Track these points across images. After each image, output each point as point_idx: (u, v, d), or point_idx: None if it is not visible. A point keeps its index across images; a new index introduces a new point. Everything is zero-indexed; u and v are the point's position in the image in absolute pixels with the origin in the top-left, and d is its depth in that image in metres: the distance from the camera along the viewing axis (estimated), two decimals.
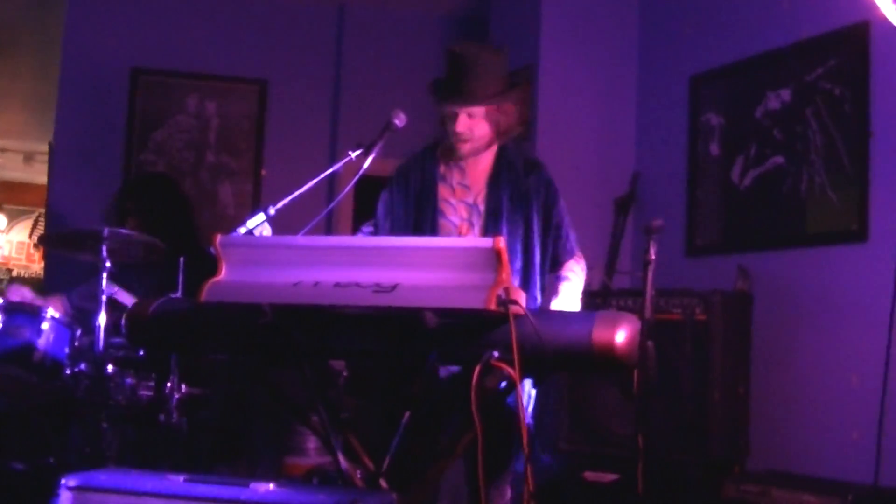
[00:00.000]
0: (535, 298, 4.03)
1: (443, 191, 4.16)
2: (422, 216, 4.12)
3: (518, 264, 4.05)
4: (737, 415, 5.52)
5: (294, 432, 5.89)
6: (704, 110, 6.50)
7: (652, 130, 7.01)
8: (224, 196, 8.08)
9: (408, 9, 8.48)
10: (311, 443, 5.87)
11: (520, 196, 4.11)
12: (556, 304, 3.98)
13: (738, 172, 6.16)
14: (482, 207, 4.11)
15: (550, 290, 4.09)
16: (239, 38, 8.23)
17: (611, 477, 5.46)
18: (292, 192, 3.83)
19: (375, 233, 4.20)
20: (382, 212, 4.21)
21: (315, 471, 5.62)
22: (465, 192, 4.16)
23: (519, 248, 4.06)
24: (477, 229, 4.08)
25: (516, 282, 3.97)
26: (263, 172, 8.10)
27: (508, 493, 4.09)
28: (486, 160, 4.19)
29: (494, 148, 4.19)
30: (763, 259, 5.90)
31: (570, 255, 4.19)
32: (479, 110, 4.04)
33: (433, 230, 4.08)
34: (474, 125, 4.05)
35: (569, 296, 4.06)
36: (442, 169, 4.20)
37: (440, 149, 4.25)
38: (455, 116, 4.05)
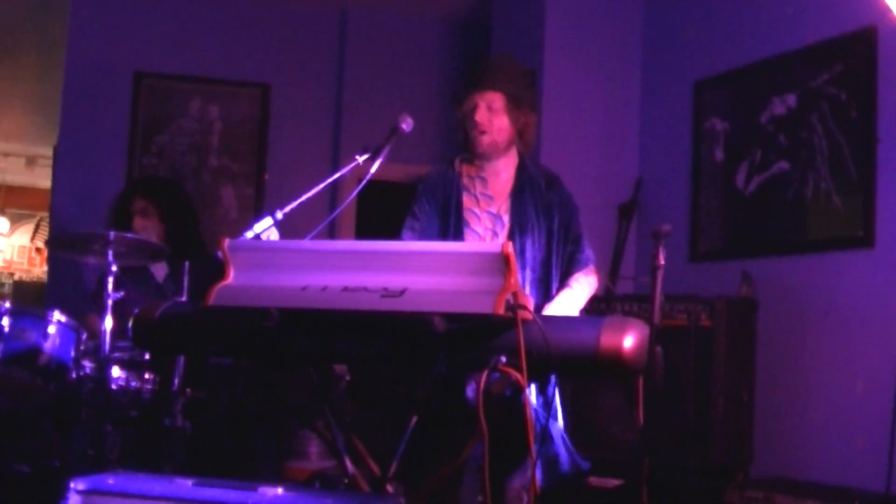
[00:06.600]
0: None
1: (467, 201, 4.21)
2: (447, 225, 4.17)
3: (539, 275, 4.10)
4: (740, 421, 5.51)
5: (296, 436, 5.88)
6: (708, 116, 6.49)
7: (655, 136, 7.01)
8: (226, 200, 8.09)
9: (410, 14, 8.49)
10: (313, 447, 5.85)
11: (543, 210, 4.17)
12: (550, 309, 3.97)
13: (743, 178, 6.15)
14: (506, 218, 4.16)
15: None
16: (242, 42, 8.25)
17: (614, 482, 5.45)
18: (296, 196, 3.82)
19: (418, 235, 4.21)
20: (424, 219, 4.23)
21: (317, 475, 5.60)
22: (488, 202, 4.20)
23: (540, 259, 4.12)
24: (501, 240, 4.09)
25: (537, 293, 4.05)
26: (266, 176, 8.10)
27: (524, 499, 4.08)
28: (507, 172, 4.25)
29: (515, 159, 4.27)
30: (767, 265, 5.90)
31: (581, 267, 4.20)
32: (498, 103, 4.13)
33: (458, 239, 4.12)
34: (493, 117, 4.13)
35: (565, 302, 4.05)
36: (465, 180, 4.25)
37: (460, 159, 4.31)
38: (475, 108, 4.14)
